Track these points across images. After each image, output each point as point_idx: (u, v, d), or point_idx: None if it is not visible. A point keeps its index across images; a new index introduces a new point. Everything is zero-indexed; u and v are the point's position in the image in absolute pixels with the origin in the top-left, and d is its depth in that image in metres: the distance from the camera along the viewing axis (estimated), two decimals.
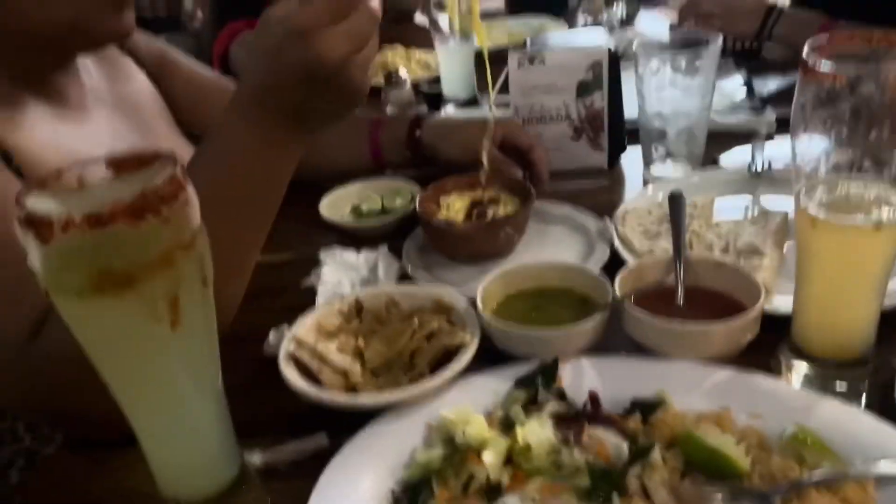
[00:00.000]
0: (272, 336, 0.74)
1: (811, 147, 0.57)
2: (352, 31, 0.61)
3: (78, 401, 0.58)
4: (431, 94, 1.45)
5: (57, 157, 0.75)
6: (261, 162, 0.67)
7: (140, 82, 0.98)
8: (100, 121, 0.86)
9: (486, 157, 0.95)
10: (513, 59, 1.07)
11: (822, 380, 0.62)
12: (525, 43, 1.12)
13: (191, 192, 0.44)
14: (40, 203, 0.41)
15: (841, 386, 0.62)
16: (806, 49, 0.55)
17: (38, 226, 0.40)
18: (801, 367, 0.64)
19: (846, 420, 0.57)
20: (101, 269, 0.41)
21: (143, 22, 0.81)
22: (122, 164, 0.46)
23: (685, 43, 0.99)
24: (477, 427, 0.57)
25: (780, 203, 0.92)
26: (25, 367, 0.63)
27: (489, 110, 0.90)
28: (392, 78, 1.41)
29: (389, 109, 1.39)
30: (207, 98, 1.03)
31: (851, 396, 0.61)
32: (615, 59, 1.07)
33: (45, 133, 0.77)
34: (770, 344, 0.66)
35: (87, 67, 0.88)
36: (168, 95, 1.02)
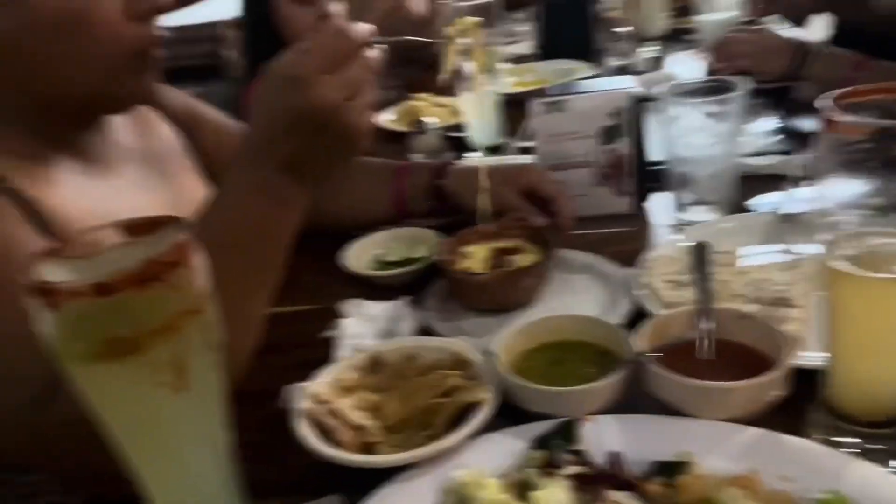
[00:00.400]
0: (289, 391, 0.73)
1: (837, 197, 0.56)
2: (347, 78, 0.62)
3: (92, 461, 0.58)
4: (458, 140, 1.46)
5: (82, 213, 0.76)
6: (261, 213, 0.66)
7: (167, 135, 0.99)
8: (126, 175, 0.88)
9: (483, 199, 0.94)
10: (534, 107, 1.07)
11: (855, 441, 0.59)
12: (548, 89, 1.13)
13: (199, 257, 0.45)
14: (50, 271, 0.42)
15: (876, 447, 0.59)
16: (826, 102, 0.54)
17: (45, 294, 0.40)
18: (833, 427, 0.61)
19: (881, 484, 0.54)
20: (108, 337, 0.41)
21: (183, 71, 0.83)
22: (135, 228, 0.47)
23: (714, 88, 0.98)
24: (491, 491, 0.55)
25: (811, 249, 0.89)
26: (41, 428, 0.64)
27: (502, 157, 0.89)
28: (419, 125, 1.42)
29: (416, 157, 1.40)
30: (234, 150, 1.04)
31: (886, 458, 0.58)
32: (638, 104, 1.06)
33: (70, 189, 0.78)
34: (803, 398, 0.63)
35: (115, 122, 0.91)
36: (197, 148, 1.04)
